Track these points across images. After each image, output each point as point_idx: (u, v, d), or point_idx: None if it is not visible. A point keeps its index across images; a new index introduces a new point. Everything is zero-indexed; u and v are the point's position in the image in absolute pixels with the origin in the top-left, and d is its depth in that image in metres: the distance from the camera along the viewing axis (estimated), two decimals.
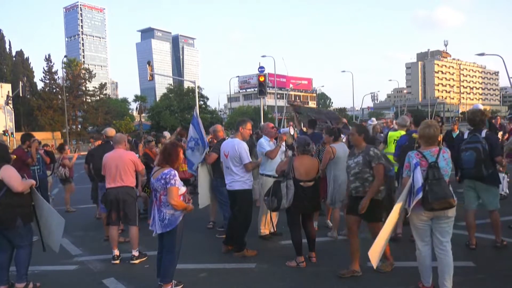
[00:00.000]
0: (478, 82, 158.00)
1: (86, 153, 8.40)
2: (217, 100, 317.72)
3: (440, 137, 7.81)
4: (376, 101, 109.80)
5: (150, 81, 52.10)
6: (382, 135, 8.71)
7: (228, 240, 5.47)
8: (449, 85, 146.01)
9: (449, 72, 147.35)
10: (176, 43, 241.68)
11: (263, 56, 47.26)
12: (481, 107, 9.13)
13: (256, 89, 35.93)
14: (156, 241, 4.36)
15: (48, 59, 47.97)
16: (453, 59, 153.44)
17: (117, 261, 5.22)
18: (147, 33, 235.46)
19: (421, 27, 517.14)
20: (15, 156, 6.02)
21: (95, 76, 53.76)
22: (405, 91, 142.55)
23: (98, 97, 52.01)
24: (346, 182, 4.80)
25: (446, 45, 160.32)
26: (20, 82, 39.26)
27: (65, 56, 47.08)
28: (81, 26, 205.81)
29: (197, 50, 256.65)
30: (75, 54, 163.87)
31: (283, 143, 5.91)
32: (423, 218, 3.84)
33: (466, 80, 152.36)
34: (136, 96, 62.09)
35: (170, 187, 4.01)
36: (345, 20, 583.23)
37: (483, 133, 5.02)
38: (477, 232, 5.26)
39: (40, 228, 4.60)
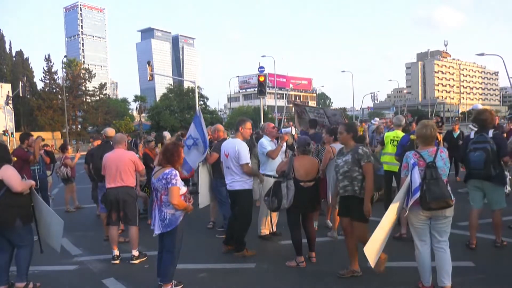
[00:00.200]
0: (478, 82, 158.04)
1: (86, 153, 8.40)
2: (217, 100, 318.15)
3: (440, 137, 7.82)
4: (376, 101, 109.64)
5: (150, 81, 52.07)
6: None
7: (228, 240, 5.47)
8: (449, 85, 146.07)
9: (449, 72, 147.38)
10: (176, 43, 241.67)
11: (263, 56, 47.33)
12: (481, 107, 9.13)
13: (256, 89, 35.91)
14: (156, 241, 4.36)
15: (48, 59, 47.94)
16: (453, 59, 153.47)
17: (117, 261, 5.22)
18: (147, 33, 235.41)
19: (421, 27, 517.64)
20: (15, 158, 6.02)
21: (95, 76, 53.69)
22: (405, 91, 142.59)
23: (98, 97, 51.98)
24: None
25: (446, 45, 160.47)
26: (20, 82, 39.23)
27: (65, 56, 47.04)
28: (81, 26, 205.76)
29: (197, 50, 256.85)
30: (75, 54, 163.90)
31: (284, 143, 5.91)
32: (421, 218, 3.86)
33: (466, 80, 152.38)
34: (136, 96, 62.08)
35: (172, 187, 4.02)
36: (345, 20, 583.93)
37: (490, 133, 5.02)
38: (477, 232, 5.26)
39: (39, 229, 4.59)
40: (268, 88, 34.36)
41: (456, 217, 4.10)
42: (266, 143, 5.83)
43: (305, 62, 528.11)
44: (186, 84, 63.70)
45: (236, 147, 5.26)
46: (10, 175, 4.23)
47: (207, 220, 6.98)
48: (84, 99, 50.43)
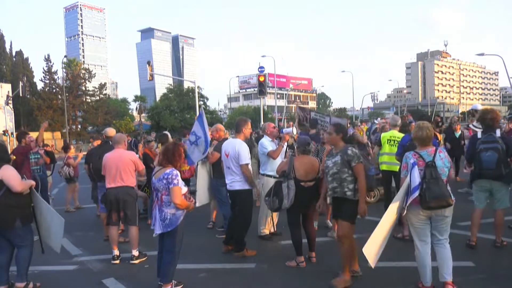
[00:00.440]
0: (478, 82, 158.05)
1: (86, 153, 8.40)
2: (217, 100, 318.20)
3: (440, 137, 7.82)
4: (376, 101, 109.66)
5: (150, 81, 52.05)
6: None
7: (228, 240, 5.48)
8: (449, 85, 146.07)
9: (449, 72, 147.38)
10: (176, 43, 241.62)
11: (263, 56, 47.39)
12: (481, 107, 9.14)
13: (256, 89, 35.90)
14: (156, 241, 4.36)
15: (47, 59, 47.89)
16: (453, 59, 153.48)
17: (117, 261, 5.22)
18: (147, 33, 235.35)
19: (421, 27, 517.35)
20: (14, 157, 6.00)
21: (95, 76, 53.64)
22: (405, 91, 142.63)
23: (98, 97, 51.93)
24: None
25: (446, 45, 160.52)
26: (20, 82, 39.20)
27: (65, 56, 47.03)
28: (81, 26, 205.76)
29: (197, 50, 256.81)
30: (75, 54, 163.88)
31: (285, 143, 5.91)
32: (421, 218, 3.89)
33: (466, 80, 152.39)
34: (136, 96, 62.03)
35: (173, 187, 4.02)
36: (345, 20, 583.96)
37: (498, 133, 5.01)
38: (477, 232, 5.25)
39: (39, 229, 4.59)
40: (268, 88, 34.35)
41: (456, 217, 4.11)
42: (267, 143, 5.83)
43: (305, 62, 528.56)
44: (186, 84, 63.75)
45: (236, 147, 5.26)
46: (10, 175, 4.23)
47: (207, 220, 6.98)
48: (84, 99, 50.38)
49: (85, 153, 8.12)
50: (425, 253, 3.91)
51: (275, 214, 6.03)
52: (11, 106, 40.67)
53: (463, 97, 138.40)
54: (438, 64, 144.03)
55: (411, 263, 4.35)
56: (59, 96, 45.98)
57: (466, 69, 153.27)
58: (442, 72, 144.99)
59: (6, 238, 4.34)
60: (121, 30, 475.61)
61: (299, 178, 4.75)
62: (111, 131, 6.91)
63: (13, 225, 4.22)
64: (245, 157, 5.24)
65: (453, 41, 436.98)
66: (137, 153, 7.37)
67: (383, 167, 6.56)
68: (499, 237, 5.19)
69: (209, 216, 6.99)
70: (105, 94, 57.41)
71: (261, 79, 23.75)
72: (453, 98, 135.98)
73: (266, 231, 6.10)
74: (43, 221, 4.62)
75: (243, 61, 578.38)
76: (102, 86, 52.90)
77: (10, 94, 40.57)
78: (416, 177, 3.76)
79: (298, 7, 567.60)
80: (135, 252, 5.25)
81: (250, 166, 5.32)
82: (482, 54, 37.60)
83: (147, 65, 27.56)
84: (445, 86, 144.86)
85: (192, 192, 6.39)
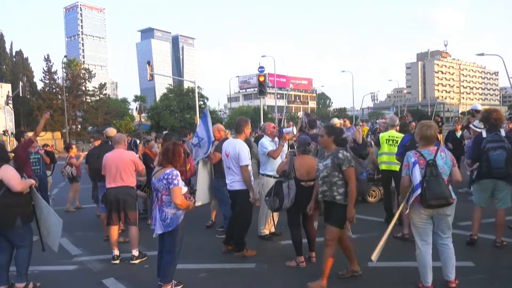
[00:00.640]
0: (478, 82, 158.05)
1: (87, 153, 8.41)
2: (217, 100, 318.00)
3: (440, 137, 7.81)
4: (376, 101, 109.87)
5: (150, 81, 52.02)
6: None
7: (228, 240, 5.47)
8: (449, 85, 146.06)
9: (449, 72, 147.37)
10: (176, 43, 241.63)
11: (263, 56, 47.42)
12: (480, 107, 9.13)
13: (256, 89, 35.89)
14: (156, 241, 4.36)
15: (47, 59, 47.89)
16: (453, 59, 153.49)
17: (117, 261, 5.22)
18: (147, 33, 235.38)
19: (421, 27, 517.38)
20: (13, 155, 5.98)
21: (95, 76, 53.63)
22: (405, 91, 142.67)
23: (98, 97, 51.93)
24: None
25: (446, 45, 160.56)
26: (20, 82, 39.20)
27: (65, 56, 47.01)
28: (81, 26, 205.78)
29: (197, 50, 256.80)
30: (75, 54, 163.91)
31: (286, 143, 5.91)
32: (423, 217, 3.90)
33: (466, 80, 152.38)
34: (136, 96, 62.03)
35: (174, 187, 4.02)
36: (345, 20, 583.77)
37: (502, 132, 5.01)
38: (478, 231, 5.26)
39: (40, 228, 4.60)
40: (268, 88, 34.35)
41: (456, 217, 4.10)
42: (267, 143, 5.83)
43: (305, 62, 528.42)
44: (186, 84, 63.76)
45: (237, 148, 5.25)
46: (10, 175, 4.23)
47: (207, 220, 6.98)
48: (84, 99, 50.37)
49: (87, 152, 8.12)
50: (426, 253, 3.92)
51: (275, 214, 6.02)
52: (11, 106, 40.68)
53: (463, 97, 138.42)
54: (438, 64, 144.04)
55: (411, 263, 4.35)
56: (59, 96, 45.98)
57: (466, 69, 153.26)
58: (442, 72, 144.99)
59: (6, 238, 4.34)
60: (121, 30, 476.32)
61: (300, 178, 4.74)
62: (111, 131, 6.91)
63: (13, 224, 4.22)
64: (245, 158, 5.22)
65: (453, 41, 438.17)
66: (137, 153, 7.37)
67: (382, 166, 6.56)
68: (499, 237, 5.19)
69: (209, 216, 6.99)
70: (105, 94, 57.41)
71: (261, 79, 23.75)
72: (453, 98, 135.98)
73: (266, 231, 6.10)
74: (43, 219, 4.62)
75: (243, 61, 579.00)
76: (102, 86, 52.88)
77: (10, 94, 40.57)
78: (417, 175, 3.78)
79: (298, 7, 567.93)
80: (135, 252, 5.25)
81: (250, 167, 5.32)
82: (482, 54, 37.63)
83: (147, 65, 27.54)
84: (445, 86, 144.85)
85: (193, 192, 6.40)
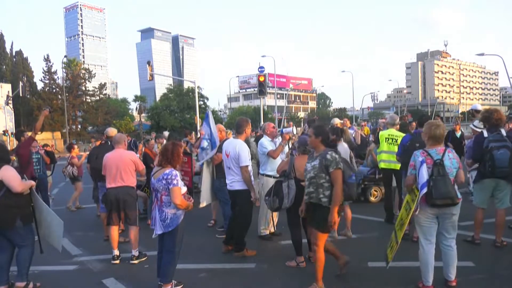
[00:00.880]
0: (478, 82, 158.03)
1: (88, 152, 8.42)
2: (217, 100, 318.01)
3: None
4: (376, 101, 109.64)
5: (150, 81, 51.95)
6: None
7: (228, 240, 5.47)
8: (449, 85, 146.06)
9: (449, 72, 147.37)
10: (176, 43, 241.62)
11: (263, 56, 47.39)
12: (480, 107, 9.12)
13: (256, 89, 35.87)
14: (156, 241, 4.36)
15: (47, 59, 47.90)
16: (453, 59, 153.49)
17: (117, 261, 5.22)
18: (147, 33, 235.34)
19: (421, 27, 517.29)
20: (14, 158, 5.98)
21: (95, 76, 53.65)
22: (405, 91, 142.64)
23: (98, 97, 51.95)
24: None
25: (446, 45, 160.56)
26: (20, 82, 39.19)
27: (65, 56, 47.01)
28: (81, 26, 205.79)
29: (197, 50, 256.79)
30: (75, 54, 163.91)
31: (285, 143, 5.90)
32: (428, 216, 3.91)
33: (466, 80, 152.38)
34: (136, 96, 62.04)
35: (173, 188, 4.02)
36: (345, 20, 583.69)
37: (503, 132, 5.01)
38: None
39: (39, 229, 4.59)
40: (268, 88, 34.34)
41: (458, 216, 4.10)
42: (267, 143, 5.83)
43: (305, 62, 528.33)
44: (186, 84, 63.75)
45: (237, 148, 5.25)
46: (10, 175, 4.23)
47: (207, 220, 6.98)
48: (84, 99, 50.38)
49: (89, 152, 8.13)
50: (429, 253, 3.93)
51: (275, 214, 6.03)
52: (11, 106, 40.68)
53: (463, 97, 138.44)
54: (438, 64, 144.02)
55: (411, 263, 4.35)
56: (59, 96, 46.00)
57: (466, 69, 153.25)
58: (442, 72, 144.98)
59: (7, 238, 4.34)
60: (121, 30, 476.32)
61: (300, 178, 4.73)
62: (112, 131, 6.91)
63: (13, 225, 4.22)
64: (245, 158, 5.22)
65: (453, 41, 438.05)
66: (137, 153, 7.37)
67: (382, 165, 6.57)
68: (499, 237, 5.19)
69: (209, 216, 6.99)
70: (105, 94, 57.43)
71: (261, 79, 23.73)
72: (453, 98, 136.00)
73: (266, 231, 6.10)
74: (43, 220, 4.62)
75: (243, 61, 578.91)
76: (102, 86, 52.90)
77: (10, 94, 40.57)
78: (423, 174, 3.79)
79: (298, 7, 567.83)
80: (135, 252, 5.25)
81: (250, 167, 5.31)
82: (482, 54, 37.57)
83: (147, 65, 27.52)
84: (445, 86, 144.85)
85: (198, 192, 6.36)
